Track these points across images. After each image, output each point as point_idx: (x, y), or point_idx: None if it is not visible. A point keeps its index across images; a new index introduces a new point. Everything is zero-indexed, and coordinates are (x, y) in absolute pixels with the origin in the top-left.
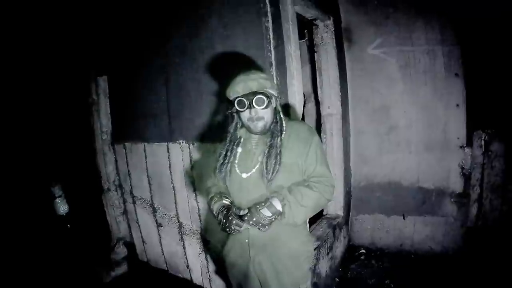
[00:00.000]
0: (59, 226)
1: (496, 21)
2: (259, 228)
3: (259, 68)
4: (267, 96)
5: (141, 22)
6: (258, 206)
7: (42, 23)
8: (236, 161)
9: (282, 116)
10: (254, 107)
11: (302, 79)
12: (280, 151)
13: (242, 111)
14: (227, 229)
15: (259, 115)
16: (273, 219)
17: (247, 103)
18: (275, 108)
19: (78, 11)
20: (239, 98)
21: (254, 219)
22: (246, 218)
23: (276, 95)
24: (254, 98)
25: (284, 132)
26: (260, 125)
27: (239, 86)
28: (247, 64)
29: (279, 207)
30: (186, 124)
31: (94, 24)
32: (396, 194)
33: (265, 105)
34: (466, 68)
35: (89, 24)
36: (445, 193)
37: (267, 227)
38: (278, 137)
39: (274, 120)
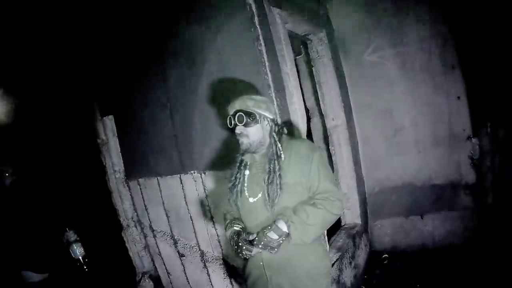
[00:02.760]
0: (77, 270)
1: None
2: (269, 251)
3: (256, 91)
4: (249, 115)
5: (139, 59)
6: (265, 230)
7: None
8: (246, 184)
9: (276, 139)
10: (238, 125)
11: (305, 94)
12: (280, 175)
13: (230, 128)
14: (240, 254)
15: (243, 132)
16: (281, 241)
17: (232, 121)
18: (270, 131)
19: (78, 55)
20: (228, 117)
21: (262, 243)
22: (255, 242)
23: (269, 117)
24: (236, 116)
25: (282, 154)
26: (244, 142)
27: (229, 107)
28: (246, 89)
29: (285, 228)
30: (196, 155)
31: (95, 65)
32: (411, 195)
33: (244, 122)
34: (462, 58)
35: (91, 66)
36: (459, 186)
37: (276, 249)
38: (275, 162)
39: (270, 144)
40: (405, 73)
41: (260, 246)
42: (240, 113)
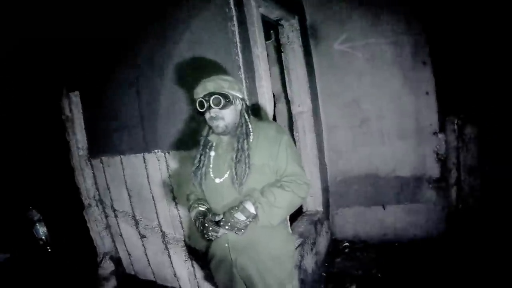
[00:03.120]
0: (40, 249)
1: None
2: (235, 232)
3: (225, 72)
4: (225, 97)
5: (108, 36)
6: (232, 211)
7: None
8: (211, 166)
9: (247, 118)
10: (213, 107)
11: (272, 80)
12: (249, 154)
13: (202, 112)
14: (205, 236)
15: (218, 115)
16: (248, 222)
17: (206, 104)
18: (241, 110)
19: (46, 29)
20: (199, 99)
21: (229, 224)
22: (221, 223)
23: (240, 97)
24: (211, 98)
25: (251, 135)
26: (220, 125)
27: (200, 89)
28: (216, 69)
29: (252, 210)
30: (161, 134)
31: (62, 40)
32: (374, 185)
33: (221, 104)
34: (433, 55)
35: (58, 40)
36: (422, 180)
37: (243, 230)
38: (244, 140)
39: (240, 123)
40: (375, 65)
41: (226, 227)
42: (216, 95)
